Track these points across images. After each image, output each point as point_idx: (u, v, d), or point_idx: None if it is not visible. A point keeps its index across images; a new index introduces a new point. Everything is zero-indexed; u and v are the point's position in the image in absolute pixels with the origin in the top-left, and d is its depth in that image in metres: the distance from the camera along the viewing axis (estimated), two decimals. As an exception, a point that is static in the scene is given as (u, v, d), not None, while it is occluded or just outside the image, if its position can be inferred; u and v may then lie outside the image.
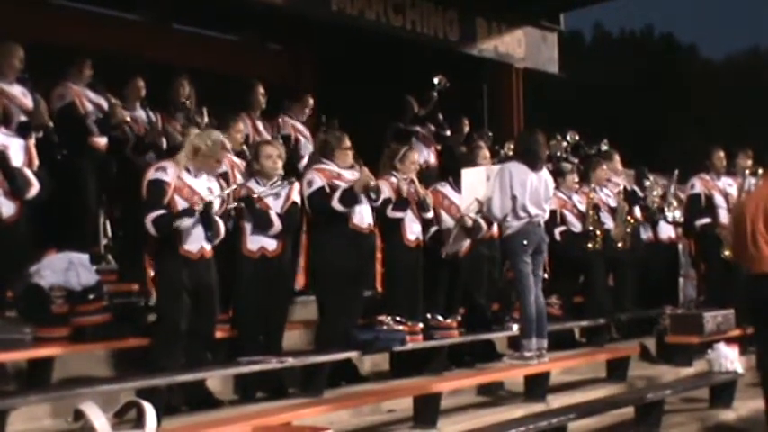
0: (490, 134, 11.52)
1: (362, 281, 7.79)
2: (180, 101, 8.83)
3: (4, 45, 7.54)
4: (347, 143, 7.75)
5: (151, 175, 6.50)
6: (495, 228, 8.54)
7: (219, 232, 6.57)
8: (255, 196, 7.04)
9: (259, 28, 12.67)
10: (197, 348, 6.56)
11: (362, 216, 7.62)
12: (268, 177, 7.23)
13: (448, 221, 8.48)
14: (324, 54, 13.23)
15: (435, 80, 10.84)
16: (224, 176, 7.15)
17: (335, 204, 7.44)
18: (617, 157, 10.96)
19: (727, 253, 9.87)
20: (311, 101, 9.90)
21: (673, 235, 11.19)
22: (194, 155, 6.49)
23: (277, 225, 7.12)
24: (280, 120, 9.66)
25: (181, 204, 6.41)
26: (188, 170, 6.50)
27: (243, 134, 8.15)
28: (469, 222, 8.29)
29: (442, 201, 8.55)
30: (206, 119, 8.72)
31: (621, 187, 10.50)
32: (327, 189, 7.47)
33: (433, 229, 8.30)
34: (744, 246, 6.47)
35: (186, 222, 6.38)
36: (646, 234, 10.97)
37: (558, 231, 9.71)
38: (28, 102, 7.41)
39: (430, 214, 8.26)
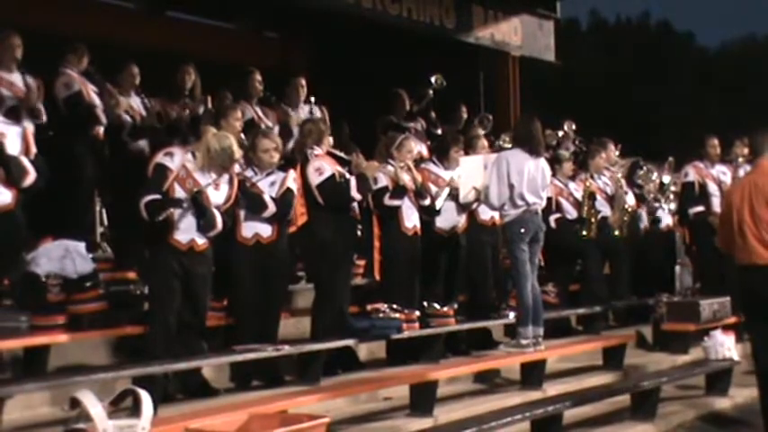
0: (490, 117, 11.49)
1: (353, 268, 7.93)
2: (183, 89, 8.86)
3: (4, 34, 7.53)
4: (329, 130, 7.85)
5: (158, 158, 6.53)
6: (497, 215, 8.56)
7: (215, 224, 6.51)
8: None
9: (254, 15, 12.62)
10: (189, 338, 6.55)
11: (355, 204, 7.71)
12: (264, 169, 7.23)
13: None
14: (319, 42, 13.19)
15: (432, 79, 10.80)
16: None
17: (355, 194, 7.46)
18: (611, 146, 10.95)
19: (719, 241, 9.88)
20: (303, 82, 9.80)
21: (670, 223, 11.19)
22: (207, 152, 6.49)
23: (271, 207, 7.11)
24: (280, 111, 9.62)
25: (178, 193, 6.41)
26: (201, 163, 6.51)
27: (242, 122, 8.15)
28: (456, 184, 8.33)
29: (429, 176, 8.53)
30: (209, 105, 8.77)
31: (619, 175, 10.48)
32: (337, 177, 7.48)
33: (426, 201, 8.26)
34: (731, 236, 6.46)
35: (174, 212, 6.36)
36: (642, 223, 10.96)
37: (553, 219, 9.71)
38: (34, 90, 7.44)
39: (427, 201, 8.26)
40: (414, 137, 10.26)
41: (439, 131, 11.04)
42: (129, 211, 6.85)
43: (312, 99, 9.65)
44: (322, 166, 7.50)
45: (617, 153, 11.05)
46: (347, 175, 7.56)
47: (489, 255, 8.76)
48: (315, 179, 7.43)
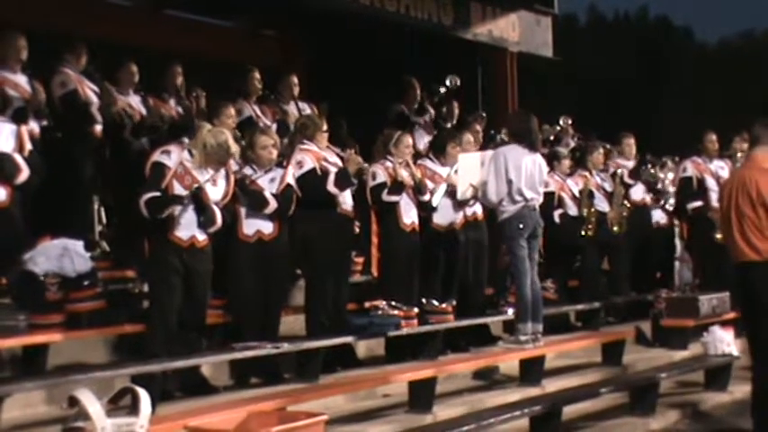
0: (484, 115, 11.50)
1: (347, 265, 7.91)
2: (174, 87, 8.87)
3: (9, 35, 7.56)
4: (325, 125, 7.82)
5: (155, 156, 6.56)
6: (479, 210, 8.55)
7: (215, 220, 6.55)
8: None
9: (252, 14, 12.60)
10: (189, 335, 6.56)
11: (346, 200, 7.66)
12: (263, 166, 7.22)
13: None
14: (318, 40, 13.17)
15: (447, 81, 10.83)
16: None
17: (331, 188, 7.44)
18: (631, 141, 10.96)
19: (719, 236, 9.87)
20: (295, 79, 9.81)
21: (666, 219, 11.17)
22: (203, 148, 6.51)
23: (273, 204, 7.11)
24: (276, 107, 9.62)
25: (177, 190, 6.43)
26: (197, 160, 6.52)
27: (234, 120, 8.15)
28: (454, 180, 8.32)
29: (425, 172, 8.52)
30: (203, 103, 8.78)
31: (619, 171, 10.48)
32: (319, 171, 7.47)
33: (425, 197, 8.25)
34: (724, 232, 6.43)
35: (175, 210, 6.38)
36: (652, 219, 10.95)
37: (557, 214, 9.72)
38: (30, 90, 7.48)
39: (426, 197, 8.25)
40: (421, 129, 10.35)
41: (448, 125, 11.07)
42: (130, 209, 6.87)
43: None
44: (303, 159, 7.51)
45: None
46: (330, 170, 7.53)
47: (473, 251, 8.68)
48: (295, 172, 7.42)
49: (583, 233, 9.85)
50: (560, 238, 9.67)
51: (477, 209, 8.64)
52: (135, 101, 8.68)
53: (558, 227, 9.70)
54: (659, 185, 10.79)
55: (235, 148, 6.69)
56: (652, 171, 10.88)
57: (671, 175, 10.90)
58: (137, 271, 7.61)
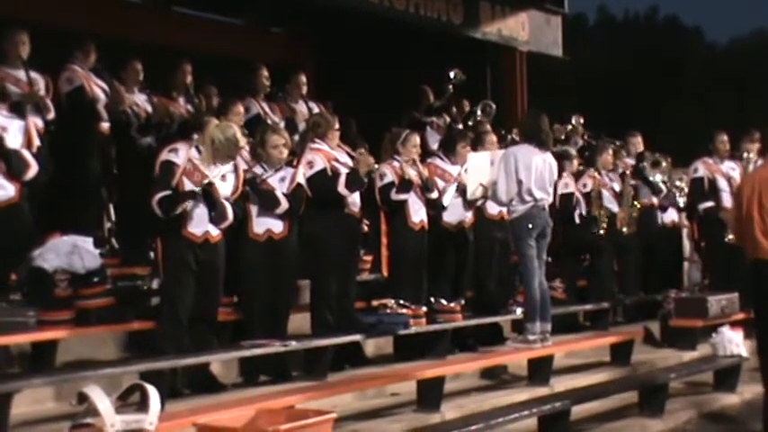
0: (493, 105, 11.48)
1: (355, 264, 7.88)
2: (183, 85, 8.89)
3: (11, 31, 7.56)
4: (337, 125, 7.80)
5: (163, 155, 6.57)
6: (505, 209, 8.54)
7: (226, 215, 6.56)
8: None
9: (260, 11, 12.61)
10: (200, 332, 6.56)
11: (355, 200, 7.64)
12: (273, 165, 7.22)
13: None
14: (326, 38, 13.18)
15: (451, 74, 10.86)
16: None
17: (342, 189, 7.42)
18: (637, 140, 10.94)
19: (730, 237, 9.84)
20: (304, 78, 9.82)
21: (676, 219, 11.16)
22: (211, 144, 6.52)
23: (284, 204, 7.11)
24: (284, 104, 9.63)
25: (188, 187, 6.44)
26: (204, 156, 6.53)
27: (241, 117, 8.16)
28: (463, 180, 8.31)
29: (436, 170, 8.50)
30: (214, 101, 8.80)
31: (628, 171, 10.46)
32: (329, 171, 7.46)
33: (434, 195, 8.23)
34: (741, 230, 6.42)
35: (188, 205, 6.38)
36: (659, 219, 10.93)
37: (576, 214, 9.72)
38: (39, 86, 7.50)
39: (434, 195, 8.24)
40: (434, 131, 10.36)
41: (460, 127, 11.07)
42: (137, 207, 6.86)
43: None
44: (314, 159, 7.49)
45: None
46: (341, 170, 7.52)
47: (497, 251, 8.71)
48: (306, 172, 7.41)
49: (594, 231, 9.82)
50: (575, 237, 9.66)
51: (504, 208, 8.60)
52: (140, 99, 8.69)
53: (577, 226, 9.69)
54: (661, 186, 10.75)
55: (243, 141, 6.70)
56: (648, 169, 10.86)
57: (659, 177, 10.84)
58: (146, 268, 7.61)
